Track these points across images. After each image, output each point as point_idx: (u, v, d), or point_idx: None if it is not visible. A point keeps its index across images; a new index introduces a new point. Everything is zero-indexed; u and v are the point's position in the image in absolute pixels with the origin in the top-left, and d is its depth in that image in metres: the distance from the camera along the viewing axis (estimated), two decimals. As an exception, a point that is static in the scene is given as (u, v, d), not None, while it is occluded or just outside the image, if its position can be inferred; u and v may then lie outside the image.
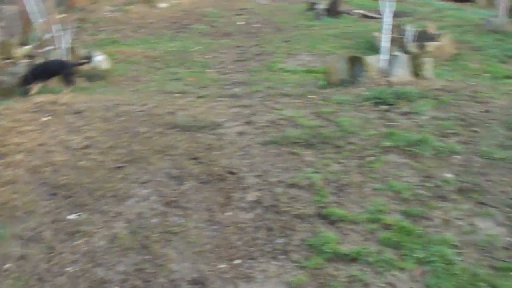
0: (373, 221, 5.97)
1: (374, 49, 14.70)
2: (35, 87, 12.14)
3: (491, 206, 6.28)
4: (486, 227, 5.93)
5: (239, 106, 9.69)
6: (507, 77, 13.34)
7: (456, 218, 6.06)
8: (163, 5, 24.17)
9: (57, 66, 12.63)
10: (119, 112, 9.51)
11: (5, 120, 9.32)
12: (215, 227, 6.06)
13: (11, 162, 7.70)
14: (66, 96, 10.92)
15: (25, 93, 11.83)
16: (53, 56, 13.79)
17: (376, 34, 16.01)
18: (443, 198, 6.43)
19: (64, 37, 13.82)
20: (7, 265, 5.52)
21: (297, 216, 6.11)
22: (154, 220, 6.17)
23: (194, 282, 5.21)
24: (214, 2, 24.86)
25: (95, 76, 13.66)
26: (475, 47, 16.72)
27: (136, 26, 20.84)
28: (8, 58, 14.79)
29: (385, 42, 11.15)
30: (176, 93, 11.40)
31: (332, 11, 22.12)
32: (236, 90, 11.39)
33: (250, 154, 7.61)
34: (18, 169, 7.49)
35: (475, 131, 8.14)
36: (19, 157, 7.85)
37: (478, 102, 9.41)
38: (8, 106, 10.20)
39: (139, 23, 21.23)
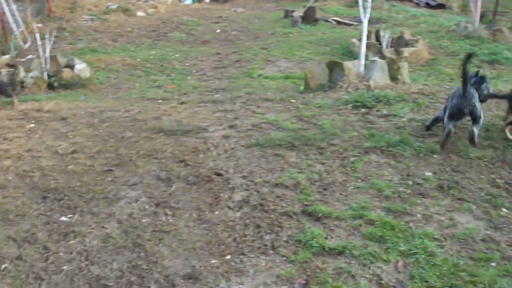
0: (357, 217, 6.19)
1: (350, 55, 15.02)
2: None
3: (469, 202, 6.55)
4: (465, 221, 6.18)
5: (222, 111, 9.90)
6: (481, 80, 13.65)
7: (436, 213, 6.30)
8: (140, 14, 24.32)
9: None
10: (103, 118, 9.68)
11: (-9, 128, 9.45)
12: (205, 225, 6.24)
13: (-1, 167, 7.85)
14: (50, 103, 11.05)
15: None
16: (35, 65, 13.89)
17: (353, 40, 16.33)
18: (423, 195, 6.68)
19: (43, 46, 13.93)
20: (4, 265, 5.65)
21: (284, 214, 6.32)
22: (145, 220, 6.34)
23: (187, 277, 5.38)
24: (191, 11, 25.07)
25: (76, 84, 13.79)
26: (450, 52, 17.08)
27: (115, 34, 20.97)
28: (-12, 68, 14.86)
29: (363, 47, 11.43)
30: (159, 99, 11.58)
31: (308, 19, 22.41)
32: (218, 96, 11.59)
33: (236, 156, 7.83)
34: (7, 174, 7.62)
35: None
36: (7, 163, 7.98)
37: (454, 104, 9.70)
38: (-8, 114, 10.33)
39: (117, 31, 21.36)
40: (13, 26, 17.41)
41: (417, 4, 29.01)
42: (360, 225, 6.06)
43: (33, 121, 9.76)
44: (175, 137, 8.55)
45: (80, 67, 14.23)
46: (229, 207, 6.56)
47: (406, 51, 15.66)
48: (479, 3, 19.68)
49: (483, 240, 5.85)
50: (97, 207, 6.65)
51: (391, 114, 9.14)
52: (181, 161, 7.72)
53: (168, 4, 26.38)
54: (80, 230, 6.18)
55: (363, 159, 7.57)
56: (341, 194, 6.70)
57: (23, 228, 6.27)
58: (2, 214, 6.57)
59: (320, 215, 6.23)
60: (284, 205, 6.50)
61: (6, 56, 16.16)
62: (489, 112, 9.34)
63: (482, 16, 22.38)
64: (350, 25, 22.34)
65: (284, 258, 5.62)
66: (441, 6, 28.48)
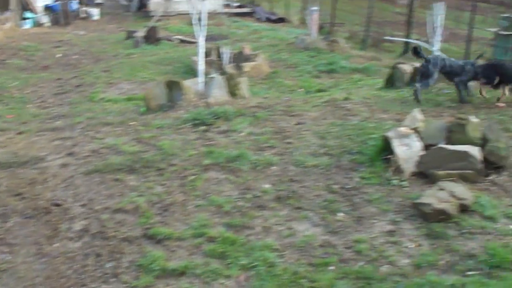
0: (198, 236, 6.23)
1: (192, 72, 15.09)
2: None
3: (307, 210, 6.76)
4: (304, 229, 6.37)
5: (60, 138, 9.66)
6: (319, 90, 14.20)
7: (275, 224, 6.45)
8: (-25, 42, 23.34)
9: None
10: None
11: None
12: (44, 259, 6.07)
13: None
14: None
15: None
16: None
17: (194, 58, 16.40)
18: (262, 207, 6.83)
19: None
20: None
21: (125, 240, 6.26)
22: (-20, 261, 6.10)
23: (25, 315, 5.24)
24: (31, 36, 24.34)
25: None
26: (290, 64, 17.60)
27: None
28: None
29: (201, 65, 11.54)
30: (-5, 131, 11.12)
31: (151, 38, 22.34)
32: (58, 123, 11.29)
33: (74, 185, 7.66)
34: None
35: (290, 143, 8.66)
36: None
37: (292, 115, 10.00)
38: None
39: (-51, 61, 20.37)
40: None
41: (258, 19, 29.67)
42: (201, 243, 6.11)
43: None
44: (10, 170, 8.25)
45: None
46: (68, 238, 6.43)
47: (247, 66, 15.94)
48: (316, 16, 20.43)
49: (321, 246, 6.07)
50: None
51: (230, 130, 9.26)
52: (17, 195, 7.47)
53: (5, 29, 25.46)
54: None
55: (202, 177, 7.61)
56: (181, 214, 6.72)
57: None
58: None
59: (160, 237, 6.22)
60: (125, 230, 6.44)
61: None
62: (324, 121, 9.67)
63: (321, 28, 23.26)
64: (193, 43, 22.48)
65: (126, 285, 5.58)
66: (281, 20, 29.27)
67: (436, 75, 10.57)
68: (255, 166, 7.88)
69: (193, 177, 7.61)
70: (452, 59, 10.93)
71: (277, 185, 7.35)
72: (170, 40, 23.29)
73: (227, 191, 7.22)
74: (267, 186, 7.33)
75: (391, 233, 6.26)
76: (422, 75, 10.67)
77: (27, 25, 27.18)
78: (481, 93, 10.52)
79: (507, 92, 10.28)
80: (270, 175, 7.66)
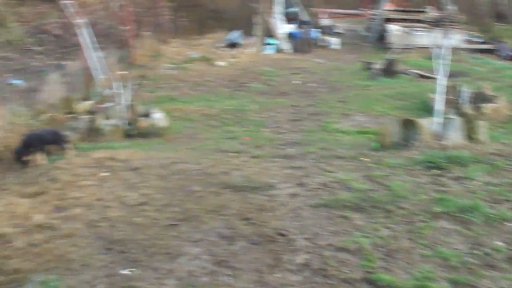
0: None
1: (428, 110, 14.69)
2: (38, 157, 11.25)
3: (543, 276, 6.24)
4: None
5: (292, 167, 9.78)
6: None
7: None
8: (221, 63, 24.58)
9: (52, 136, 11.83)
10: (174, 171, 9.76)
11: (66, 175, 9.68)
12: (263, 288, 6.16)
13: (70, 215, 8.03)
14: (124, 152, 11.22)
15: (25, 164, 11.14)
16: (113, 112, 14.21)
17: (431, 95, 16.01)
18: (492, 266, 6.40)
19: (124, 93, 14.26)
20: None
21: (345, 281, 6.16)
22: (204, 279, 6.32)
23: None
24: (272, 61, 25.14)
25: (152, 133, 13.99)
26: (533, 109, 16.56)
27: (194, 84, 21.17)
28: (70, 113, 15.25)
29: (439, 104, 11.20)
30: (231, 152, 11.53)
31: (388, 71, 22.14)
32: (290, 150, 11.47)
33: (301, 217, 7.71)
34: (76, 223, 7.79)
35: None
36: (77, 211, 8.19)
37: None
38: (68, 161, 10.58)
39: (197, 81, 21.57)
40: (97, 73, 17.91)
41: (502, 57, 28.37)
42: (423, 297, 5.85)
43: (105, 170, 9.93)
44: (242, 194, 8.51)
45: (157, 116, 14.45)
46: (289, 270, 6.46)
47: (486, 108, 15.22)
48: None
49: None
50: (159, 262, 6.69)
51: (465, 177, 8.80)
52: (246, 219, 7.68)
53: (249, 53, 26.62)
54: (139, 286, 6.21)
55: (431, 225, 7.31)
56: (405, 262, 6.48)
57: (85, 279, 6.37)
58: (67, 262, 6.70)
59: (380, 284, 6.04)
60: (346, 271, 6.34)
61: (87, 103, 16.57)
62: None
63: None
64: (432, 78, 22.00)
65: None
66: (527, 60, 27.75)
67: None
68: (489, 220, 7.42)
69: (421, 224, 7.34)
70: None
71: (511, 244, 6.86)
72: (407, 74, 22.97)
73: (456, 244, 6.86)
74: (499, 243, 6.87)
75: None
76: None
77: (269, 50, 28.16)
78: None
79: None
80: (504, 231, 7.16)
